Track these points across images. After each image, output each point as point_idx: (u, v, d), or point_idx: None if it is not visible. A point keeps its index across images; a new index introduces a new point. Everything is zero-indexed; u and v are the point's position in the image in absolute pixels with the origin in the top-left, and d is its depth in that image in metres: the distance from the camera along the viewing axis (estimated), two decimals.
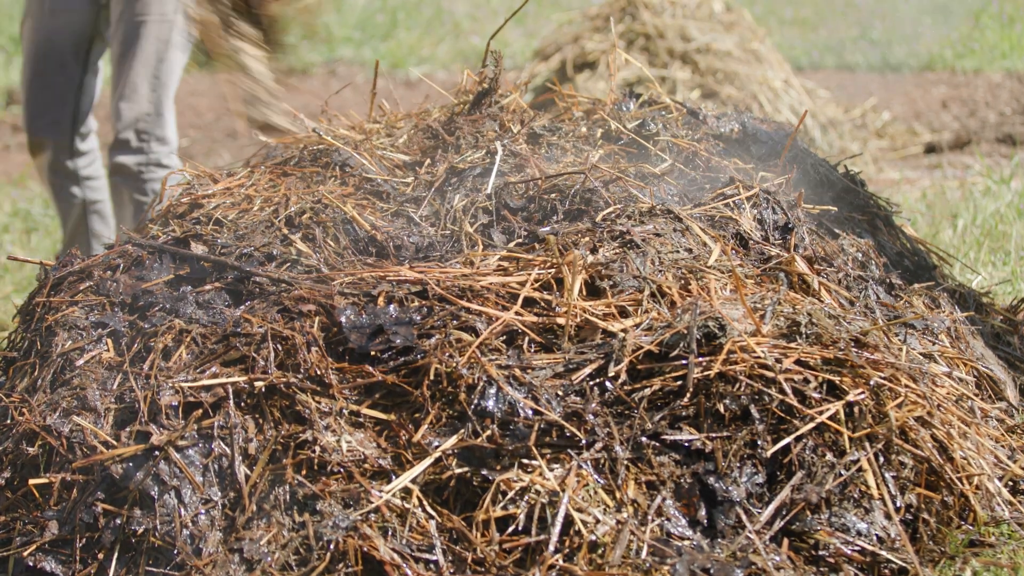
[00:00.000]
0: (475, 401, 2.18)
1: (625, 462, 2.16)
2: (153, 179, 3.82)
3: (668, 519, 2.14)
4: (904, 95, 7.27)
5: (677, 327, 2.28)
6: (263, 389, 2.22)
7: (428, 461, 2.15)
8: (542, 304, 2.35)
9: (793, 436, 2.20)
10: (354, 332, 2.27)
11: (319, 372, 2.23)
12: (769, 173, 2.86)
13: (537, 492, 2.11)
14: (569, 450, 2.16)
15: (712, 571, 2.05)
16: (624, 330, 2.29)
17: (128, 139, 3.74)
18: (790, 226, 2.69)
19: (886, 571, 2.15)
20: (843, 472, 2.21)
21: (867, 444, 2.25)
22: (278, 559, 2.08)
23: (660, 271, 2.44)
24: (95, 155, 3.97)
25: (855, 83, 7.57)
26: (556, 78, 5.72)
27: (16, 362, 2.49)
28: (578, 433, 2.17)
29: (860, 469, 2.22)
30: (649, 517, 2.12)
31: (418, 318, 2.29)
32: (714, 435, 2.20)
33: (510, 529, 2.10)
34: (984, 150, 6.07)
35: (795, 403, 2.23)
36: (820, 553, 2.15)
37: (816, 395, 2.25)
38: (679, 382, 2.23)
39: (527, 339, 2.28)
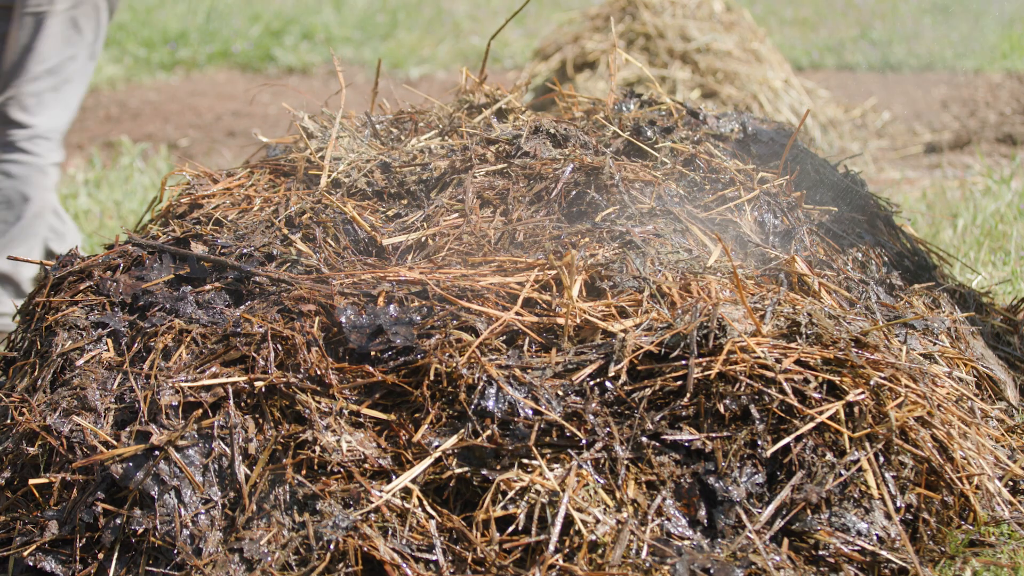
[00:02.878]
0: (475, 401, 2.18)
1: (625, 462, 2.16)
2: (9, 161, 3.74)
3: (668, 519, 2.14)
4: (904, 95, 7.27)
5: (677, 328, 2.28)
6: (263, 389, 2.22)
7: (428, 461, 2.15)
8: (542, 304, 2.35)
9: (793, 436, 2.20)
10: (354, 332, 2.27)
11: (319, 372, 2.23)
12: (769, 174, 2.86)
13: (537, 492, 2.11)
14: (569, 450, 2.16)
15: (712, 571, 2.05)
16: (624, 330, 2.29)
17: None
18: (790, 228, 2.69)
19: (886, 571, 2.15)
20: (843, 472, 2.21)
21: (867, 444, 2.25)
22: (278, 559, 2.08)
23: (660, 271, 2.44)
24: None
25: (855, 83, 7.58)
26: (556, 78, 5.72)
27: (16, 362, 2.49)
28: (578, 433, 2.17)
29: (860, 469, 2.22)
30: (649, 517, 2.12)
31: (418, 318, 2.29)
32: (714, 435, 2.20)
33: (510, 529, 2.10)
34: (984, 150, 6.07)
35: (795, 403, 2.23)
36: (820, 553, 2.15)
37: (816, 395, 2.25)
38: (679, 382, 2.23)
39: (527, 339, 2.28)
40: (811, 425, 2.22)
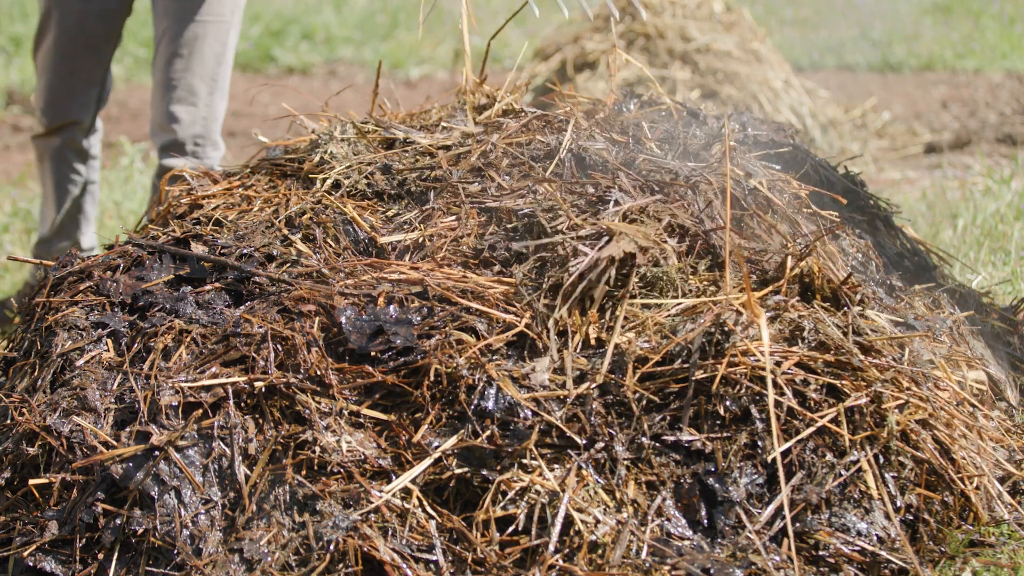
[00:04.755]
0: (475, 401, 2.18)
1: (625, 462, 2.16)
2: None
3: (668, 519, 2.14)
4: (904, 95, 7.27)
5: (679, 336, 2.28)
6: (263, 389, 2.22)
7: (428, 461, 2.15)
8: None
9: (794, 440, 2.21)
10: (354, 332, 2.27)
11: (319, 372, 2.23)
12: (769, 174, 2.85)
13: (537, 492, 2.11)
14: (569, 450, 2.16)
15: (712, 571, 2.05)
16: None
17: (184, 142, 3.70)
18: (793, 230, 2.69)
19: (886, 571, 2.15)
20: (843, 472, 2.21)
21: (867, 446, 2.25)
22: (278, 559, 2.08)
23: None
24: (100, 133, 3.97)
25: (855, 83, 7.57)
26: (556, 78, 5.72)
27: (16, 362, 2.49)
28: (577, 435, 2.17)
29: (860, 470, 2.22)
30: (649, 517, 2.12)
31: (418, 318, 2.29)
32: (714, 436, 2.20)
33: (510, 529, 2.10)
34: (984, 150, 6.07)
35: (795, 406, 2.23)
36: (820, 553, 2.15)
37: (816, 396, 2.25)
38: (680, 384, 2.23)
39: (528, 340, 2.28)
40: (811, 429, 2.22)
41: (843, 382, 2.28)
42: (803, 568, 2.12)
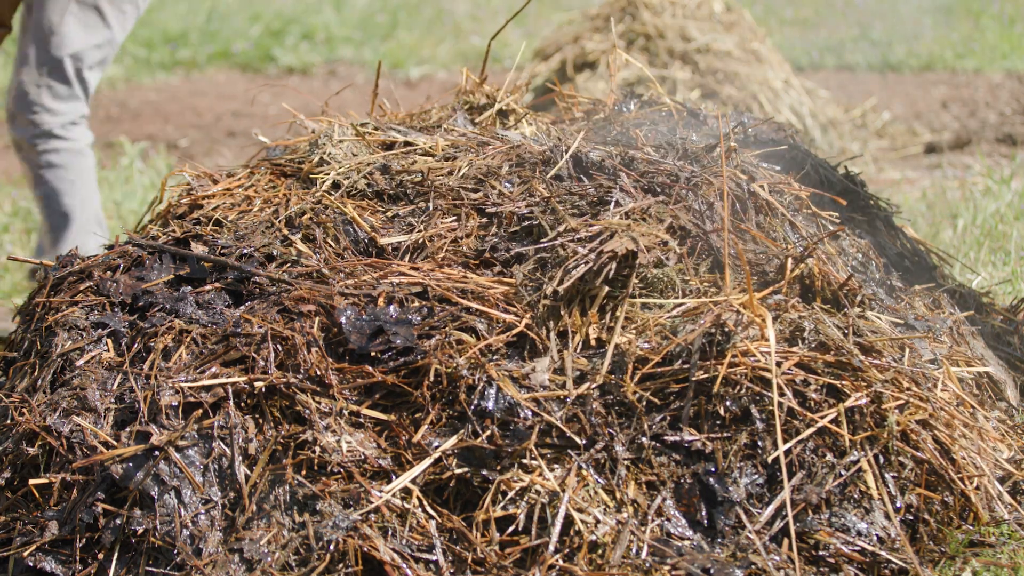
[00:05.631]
0: (475, 401, 2.18)
1: (625, 462, 2.16)
2: (47, 150, 3.78)
3: (668, 519, 2.14)
4: (904, 95, 7.27)
5: (680, 337, 2.28)
6: (263, 389, 2.22)
7: (428, 461, 2.15)
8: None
9: (794, 441, 2.21)
10: (354, 332, 2.27)
11: (319, 372, 2.23)
12: (770, 174, 2.85)
13: (537, 492, 2.12)
14: (569, 450, 2.16)
15: (712, 571, 2.05)
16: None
17: (16, 112, 3.75)
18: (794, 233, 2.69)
19: (886, 571, 2.15)
20: (843, 472, 2.21)
21: (867, 446, 2.25)
22: (278, 559, 2.08)
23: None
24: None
25: (855, 83, 7.57)
26: (556, 78, 5.72)
27: (16, 362, 2.49)
28: (577, 435, 2.17)
29: (860, 470, 2.22)
30: (649, 517, 2.12)
31: (418, 318, 2.29)
32: (714, 436, 2.20)
33: (510, 529, 2.10)
34: (984, 150, 6.07)
35: (795, 406, 2.23)
36: (820, 553, 2.15)
37: (816, 396, 2.25)
38: (681, 384, 2.23)
39: (528, 340, 2.28)
40: (812, 430, 2.22)
41: (843, 382, 2.28)
42: (803, 568, 2.12)
